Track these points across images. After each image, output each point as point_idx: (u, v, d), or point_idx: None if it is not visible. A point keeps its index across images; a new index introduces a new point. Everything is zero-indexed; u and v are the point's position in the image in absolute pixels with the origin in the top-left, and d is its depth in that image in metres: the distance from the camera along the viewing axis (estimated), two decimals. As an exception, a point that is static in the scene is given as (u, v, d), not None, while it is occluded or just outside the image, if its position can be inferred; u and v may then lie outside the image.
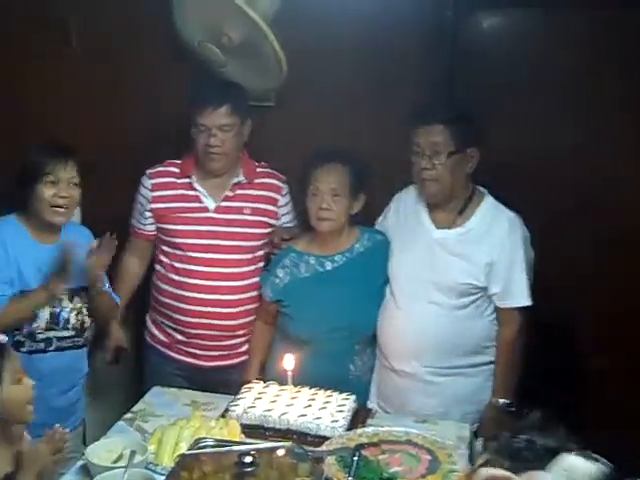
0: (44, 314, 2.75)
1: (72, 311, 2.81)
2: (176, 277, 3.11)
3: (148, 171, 3.16)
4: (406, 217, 2.99)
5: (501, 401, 2.85)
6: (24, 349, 2.73)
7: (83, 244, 2.77)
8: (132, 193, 3.19)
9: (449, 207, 2.89)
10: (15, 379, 2.08)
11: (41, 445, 2.18)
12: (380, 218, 3.10)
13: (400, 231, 2.99)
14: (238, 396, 2.67)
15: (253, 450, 2.04)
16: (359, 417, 2.63)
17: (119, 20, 3.46)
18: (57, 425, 2.21)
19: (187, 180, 3.12)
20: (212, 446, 2.21)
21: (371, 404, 2.92)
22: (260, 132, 3.19)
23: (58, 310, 2.77)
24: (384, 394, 2.98)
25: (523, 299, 2.85)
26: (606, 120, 3.19)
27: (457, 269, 2.84)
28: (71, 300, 2.80)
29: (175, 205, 3.11)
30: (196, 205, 3.10)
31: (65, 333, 2.81)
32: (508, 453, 1.53)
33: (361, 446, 2.22)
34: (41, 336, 2.76)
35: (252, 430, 2.50)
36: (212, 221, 3.09)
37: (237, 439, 2.38)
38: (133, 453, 2.23)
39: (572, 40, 3.18)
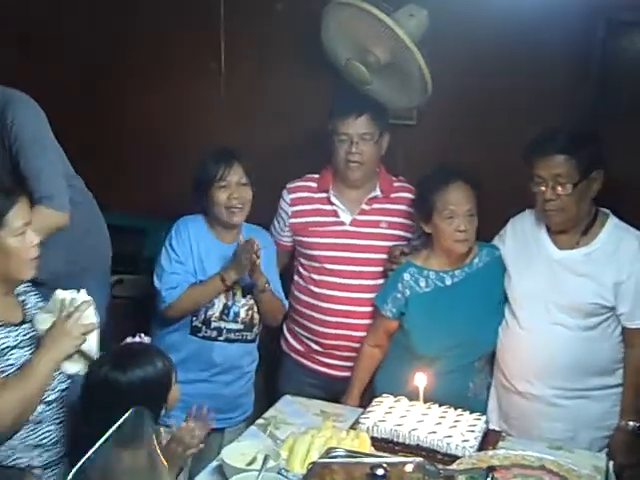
0: (219, 304, 2.94)
1: (243, 306, 2.98)
2: (314, 289, 3.18)
3: (288, 185, 3.24)
4: (525, 240, 2.93)
5: (630, 424, 2.80)
6: (200, 334, 2.94)
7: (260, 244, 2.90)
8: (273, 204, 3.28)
9: (573, 230, 2.82)
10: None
11: (172, 445, 2.28)
12: (494, 241, 3.04)
13: (519, 254, 2.93)
14: (368, 409, 2.70)
15: (385, 463, 2.04)
16: (490, 439, 2.60)
17: (265, 37, 3.59)
18: (184, 424, 2.32)
19: (324, 195, 3.18)
20: (343, 456, 2.21)
21: (492, 425, 2.84)
22: (400, 149, 3.21)
23: (230, 303, 2.95)
24: (507, 416, 2.93)
25: None
26: None
27: (584, 289, 2.77)
28: (244, 296, 2.97)
29: (312, 219, 3.18)
30: (332, 219, 3.16)
31: (234, 326, 2.97)
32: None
33: (493, 468, 2.19)
34: (214, 324, 2.94)
35: (381, 444, 2.52)
36: (348, 234, 3.15)
37: (367, 451, 2.40)
38: (267, 457, 2.28)
39: None
